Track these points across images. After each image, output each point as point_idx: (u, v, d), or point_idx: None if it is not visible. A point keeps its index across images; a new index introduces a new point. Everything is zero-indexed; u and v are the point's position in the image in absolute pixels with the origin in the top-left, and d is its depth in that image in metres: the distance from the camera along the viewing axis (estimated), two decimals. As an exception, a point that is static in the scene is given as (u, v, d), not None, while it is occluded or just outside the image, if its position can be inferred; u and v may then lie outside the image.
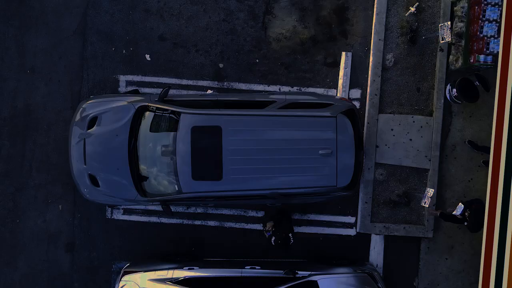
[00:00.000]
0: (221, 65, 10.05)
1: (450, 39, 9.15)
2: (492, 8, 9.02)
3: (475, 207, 8.82)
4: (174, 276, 8.69)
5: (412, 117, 9.84)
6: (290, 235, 8.72)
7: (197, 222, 10.04)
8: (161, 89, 9.03)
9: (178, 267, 8.92)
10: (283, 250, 8.73)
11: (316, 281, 8.64)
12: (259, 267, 8.92)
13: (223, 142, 8.28)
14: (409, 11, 9.78)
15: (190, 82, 10.05)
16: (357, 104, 10.00)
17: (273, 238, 8.73)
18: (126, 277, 8.90)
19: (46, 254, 10.14)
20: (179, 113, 8.44)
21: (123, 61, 10.07)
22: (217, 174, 8.30)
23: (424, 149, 9.84)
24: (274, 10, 10.07)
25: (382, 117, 9.90)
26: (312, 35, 10.06)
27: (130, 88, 10.01)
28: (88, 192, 9.01)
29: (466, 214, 8.82)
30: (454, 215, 8.94)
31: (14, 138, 10.08)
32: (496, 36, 9.07)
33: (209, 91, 9.81)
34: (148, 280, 8.72)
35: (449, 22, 9.14)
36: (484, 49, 9.07)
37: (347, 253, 9.98)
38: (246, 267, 8.90)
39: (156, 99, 8.76)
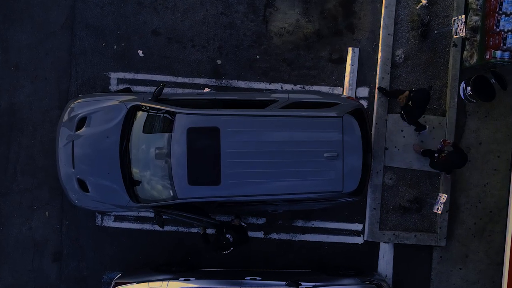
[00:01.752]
0: (219, 62, 10.00)
1: (464, 34, 9.11)
2: (510, 0, 8.95)
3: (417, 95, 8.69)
4: (168, 288, 8.65)
5: (424, 117, 9.78)
6: (233, 245, 8.61)
7: (194, 230, 9.99)
8: (155, 88, 8.99)
9: (173, 278, 8.87)
10: (218, 250, 8.63)
11: (321, 293, 8.61)
12: (260, 278, 8.88)
13: (221, 144, 8.24)
14: (420, 3, 9.73)
15: (186, 80, 10.00)
16: (364, 103, 9.96)
17: (230, 236, 8.56)
18: (117, 289, 8.85)
19: (32, 264, 10.08)
20: (174, 113, 8.41)
21: (114, 58, 10.02)
22: (215, 178, 8.26)
23: (437, 151, 9.79)
24: (276, 2, 10.02)
25: (391, 117, 9.85)
26: (316, 29, 10.01)
27: (121, 86, 9.97)
28: (76, 197, 8.97)
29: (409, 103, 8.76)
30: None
31: (-2, 140, 10.04)
32: (513, 30, 9.01)
33: (206, 90, 9.78)
34: (141, 292, 8.69)
35: (463, 16, 9.11)
36: (501, 45, 9.00)
37: (354, 263, 9.94)
38: (246, 278, 8.87)
39: (150, 98, 8.75)
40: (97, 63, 10.04)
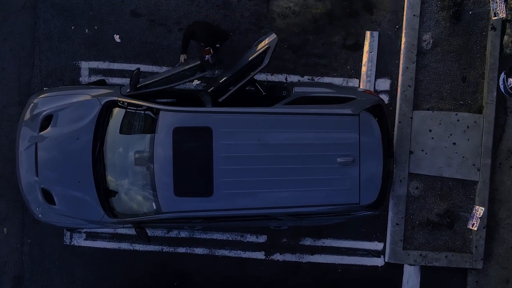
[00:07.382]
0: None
1: (504, 15, 9.12)
2: (559, -25, 8.98)
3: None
4: (151, 320, 8.67)
5: (456, 114, 9.81)
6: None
7: (181, 250, 10.00)
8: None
9: (156, 307, 8.89)
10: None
11: (334, 325, 8.62)
12: (260, 308, 8.90)
13: (214, 147, 8.24)
14: (452, -22, 9.76)
15: (171, 70, 10.01)
16: (385, 98, 9.96)
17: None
18: (89, 321, 8.88)
19: (-13, 291, 10.10)
20: (157, 110, 8.39)
21: (85, 44, 10.03)
22: (206, 188, 8.26)
23: (472, 155, 9.80)
24: (279, -23, 10.04)
25: (417, 114, 9.86)
26: (328, 9, 10.01)
27: (94, 78, 9.99)
28: (40, 211, 8.97)
29: None
30: None
31: None
32: None
33: (196, 82, 9.74)
34: (118, 324, 8.71)
35: (503, -7, 9.12)
36: (549, 28, 9.04)
37: (373, 289, 9.93)
38: (243, 308, 8.88)
39: (128, 91, 8.75)
40: (65, 50, 10.05)
